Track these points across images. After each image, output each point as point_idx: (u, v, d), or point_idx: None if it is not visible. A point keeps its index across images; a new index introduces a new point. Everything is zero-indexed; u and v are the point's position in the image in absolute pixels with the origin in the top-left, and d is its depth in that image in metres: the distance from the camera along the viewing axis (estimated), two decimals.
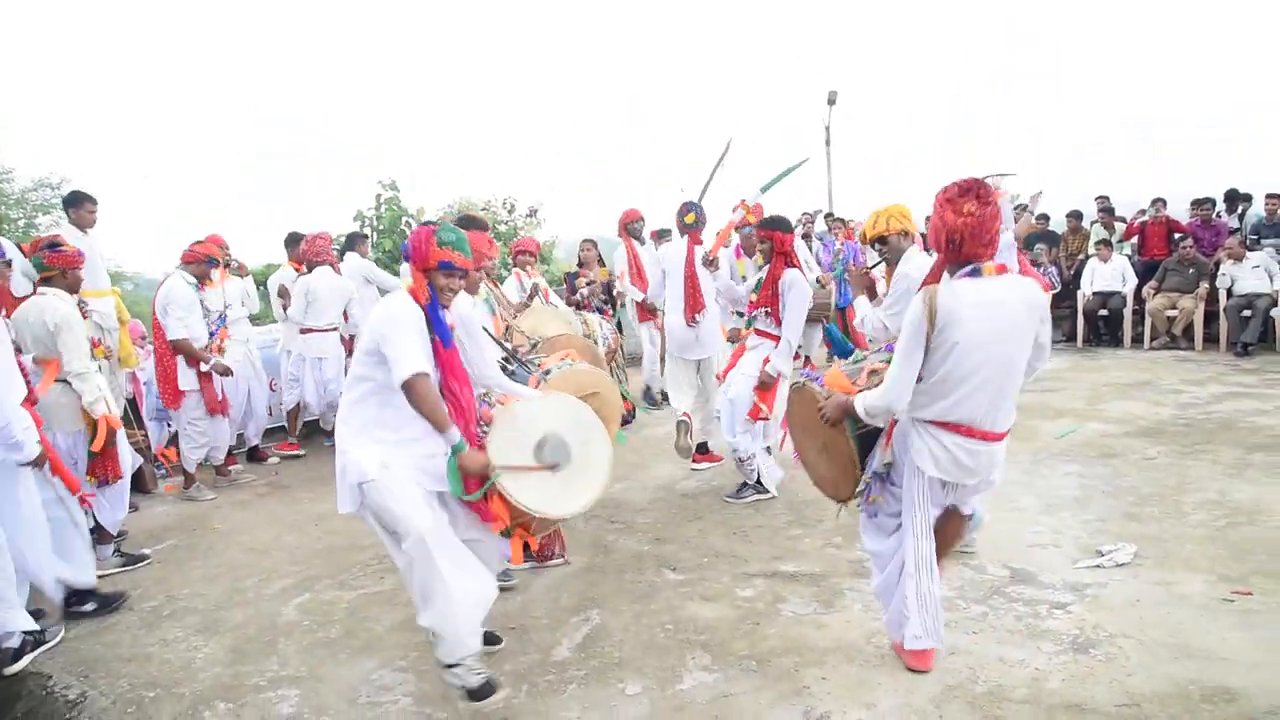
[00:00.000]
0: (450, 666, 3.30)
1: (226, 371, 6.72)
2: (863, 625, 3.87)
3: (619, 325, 8.44)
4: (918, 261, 4.21)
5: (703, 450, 6.67)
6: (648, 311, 8.73)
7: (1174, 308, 11.11)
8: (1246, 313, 10.44)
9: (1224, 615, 3.76)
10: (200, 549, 5.51)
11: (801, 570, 4.53)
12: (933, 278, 3.24)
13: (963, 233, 3.06)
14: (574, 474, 3.52)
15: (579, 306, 8.20)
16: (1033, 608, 3.94)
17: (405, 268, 3.55)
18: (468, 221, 5.91)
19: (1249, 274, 10.58)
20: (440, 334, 3.38)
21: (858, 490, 3.57)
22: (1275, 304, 10.40)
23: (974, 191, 3.08)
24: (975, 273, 3.11)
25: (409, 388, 3.20)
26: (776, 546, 4.89)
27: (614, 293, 9.38)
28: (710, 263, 6.05)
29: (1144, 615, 3.78)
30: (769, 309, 5.55)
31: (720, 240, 6.27)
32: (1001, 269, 3.15)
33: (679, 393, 6.56)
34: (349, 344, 7.95)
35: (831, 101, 11.95)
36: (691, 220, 6.28)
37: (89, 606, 4.53)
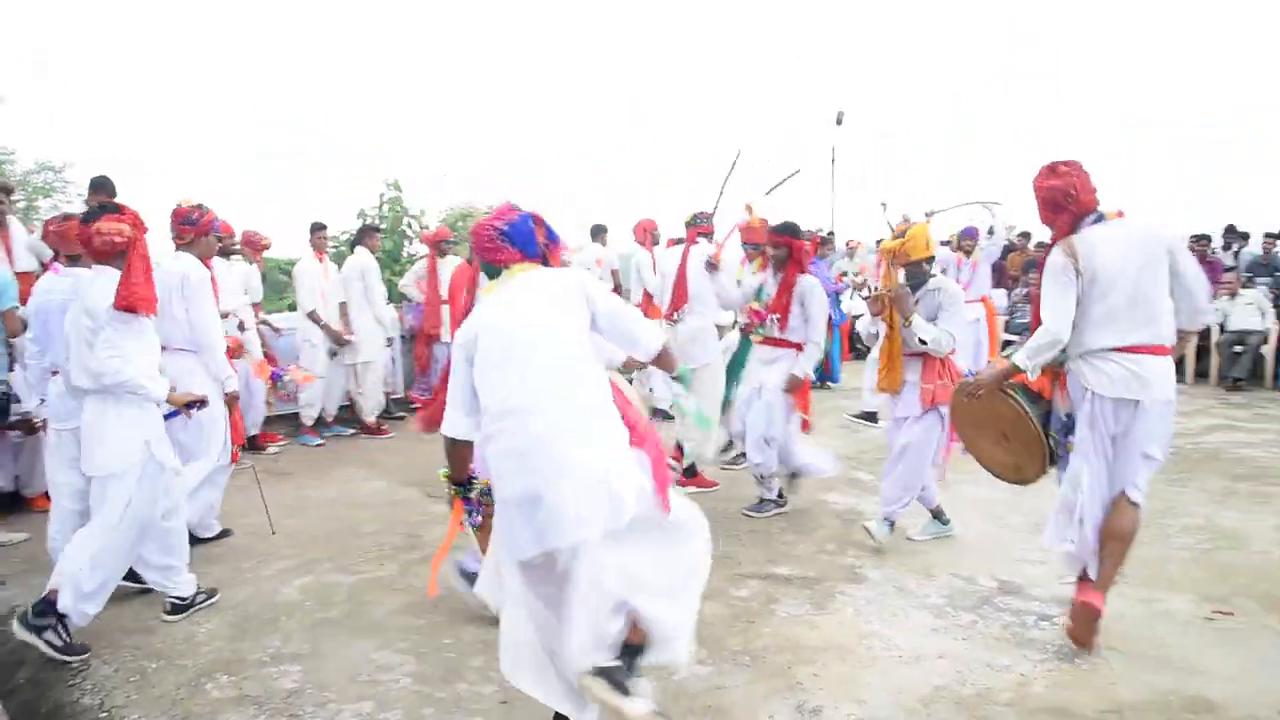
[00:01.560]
0: None
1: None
2: (855, 627, 3.96)
3: None
4: (940, 278, 4.92)
5: (690, 474, 6.39)
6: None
7: None
8: (1238, 349, 10.59)
9: (1205, 632, 3.86)
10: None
11: (795, 574, 4.61)
12: (1061, 235, 3.69)
13: (1072, 187, 3.62)
14: None
15: None
16: (1020, 618, 4.03)
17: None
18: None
19: (1242, 311, 10.73)
20: None
21: (1054, 452, 3.90)
22: (1266, 341, 10.56)
23: (1056, 165, 3.68)
24: (1100, 219, 3.63)
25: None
26: (771, 550, 4.98)
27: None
28: (711, 265, 6.01)
29: (1127, 629, 3.88)
30: (780, 316, 5.60)
31: (722, 244, 6.29)
32: (1120, 214, 3.67)
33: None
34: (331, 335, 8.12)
35: (839, 122, 12.10)
36: (690, 220, 6.33)
37: None
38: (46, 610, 3.79)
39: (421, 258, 10.18)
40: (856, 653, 3.71)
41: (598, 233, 10.58)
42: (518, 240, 2.94)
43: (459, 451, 2.96)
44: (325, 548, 5.19)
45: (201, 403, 4.30)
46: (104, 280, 3.87)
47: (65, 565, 3.85)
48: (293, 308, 9.72)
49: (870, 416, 8.61)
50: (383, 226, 12.96)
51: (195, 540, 4.84)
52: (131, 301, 3.78)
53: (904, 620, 4.03)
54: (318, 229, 8.36)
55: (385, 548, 5.18)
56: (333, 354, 8.23)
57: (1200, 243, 11.97)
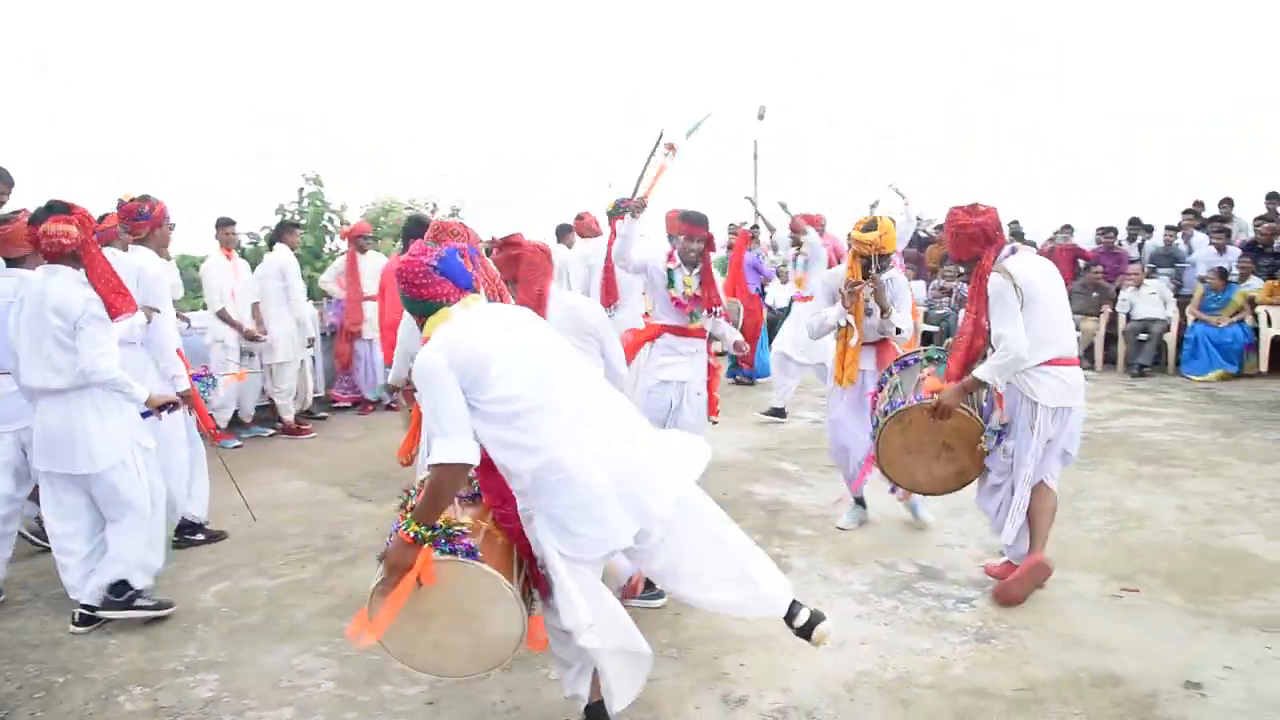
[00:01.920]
0: None
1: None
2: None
3: None
4: (892, 269, 5.00)
5: None
6: None
7: (1077, 329, 11.65)
8: (1143, 336, 11.01)
9: (1113, 610, 4.01)
10: None
11: None
12: (989, 264, 4.07)
13: (995, 223, 4.11)
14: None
15: None
16: (940, 602, 4.13)
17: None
18: (417, 222, 5.75)
19: (1146, 300, 11.16)
20: None
21: (986, 452, 4.21)
22: (1168, 329, 11.00)
23: (977, 205, 4.15)
24: (1014, 250, 4.10)
25: None
26: None
27: None
28: (639, 207, 5.03)
29: (1041, 609, 4.01)
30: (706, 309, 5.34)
31: (650, 187, 5.76)
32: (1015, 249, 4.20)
33: None
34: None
35: (761, 116, 12.19)
36: (611, 208, 6.14)
37: (199, 537, 5.21)
38: (122, 589, 4.06)
39: (342, 254, 9.98)
40: (782, 642, 3.74)
41: (562, 233, 10.30)
42: (451, 273, 2.88)
43: (457, 481, 2.70)
44: (244, 551, 5.06)
45: (174, 405, 4.31)
46: (62, 280, 3.89)
47: (124, 555, 4.05)
48: (205, 306, 9.41)
49: (779, 412, 8.52)
50: (302, 222, 12.68)
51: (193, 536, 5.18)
52: (119, 308, 3.93)
53: (828, 608, 4.06)
54: (225, 224, 8.03)
55: (307, 550, 5.07)
56: (248, 354, 7.99)
57: (1106, 235, 12.43)
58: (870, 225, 4.91)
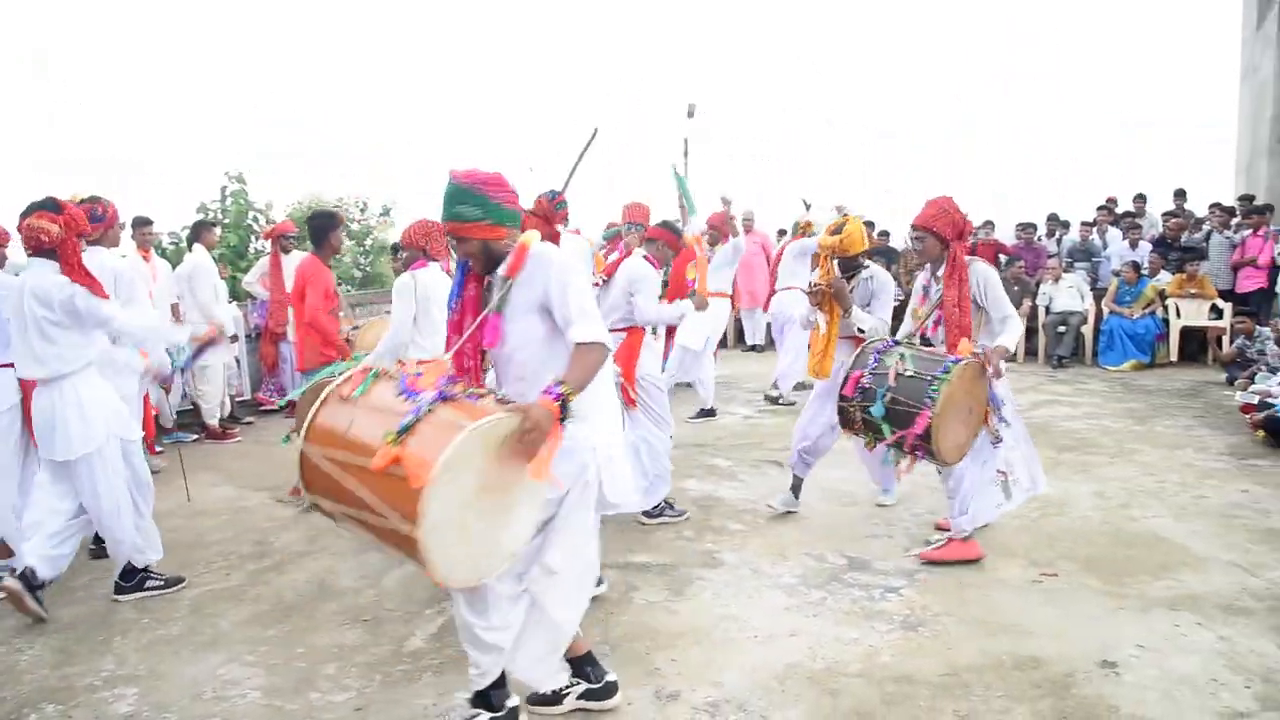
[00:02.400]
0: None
1: None
2: (712, 611, 4.04)
3: None
4: (873, 267, 5.28)
5: None
6: None
7: None
8: (1062, 329, 11.36)
9: (1034, 594, 4.13)
10: None
11: (653, 561, 4.67)
12: (963, 254, 4.46)
13: (968, 224, 4.56)
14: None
15: None
16: (868, 591, 4.21)
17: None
18: (323, 217, 5.72)
19: (1064, 293, 11.51)
20: None
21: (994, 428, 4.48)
22: (1085, 321, 11.37)
23: (951, 199, 4.51)
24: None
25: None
26: (629, 539, 5.02)
27: None
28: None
29: (965, 596, 4.11)
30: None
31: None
32: None
33: None
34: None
35: (690, 114, 12.29)
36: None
37: None
38: (131, 573, 4.38)
39: (266, 254, 9.75)
40: (713, 636, 3.79)
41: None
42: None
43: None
44: (165, 560, 4.87)
45: (214, 340, 5.15)
46: (40, 271, 4.11)
47: (120, 547, 4.31)
48: None
49: (709, 413, 8.49)
50: (225, 221, 12.34)
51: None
52: (97, 290, 4.13)
53: (759, 601, 4.15)
54: (142, 224, 7.78)
55: (232, 557, 4.94)
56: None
57: (1026, 231, 12.77)
58: (837, 229, 5.10)
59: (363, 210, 17.83)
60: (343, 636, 3.89)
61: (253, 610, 4.20)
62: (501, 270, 3.00)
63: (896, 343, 4.53)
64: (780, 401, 8.95)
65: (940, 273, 4.53)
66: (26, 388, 4.37)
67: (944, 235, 4.46)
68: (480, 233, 2.94)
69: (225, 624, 4.07)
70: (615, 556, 4.74)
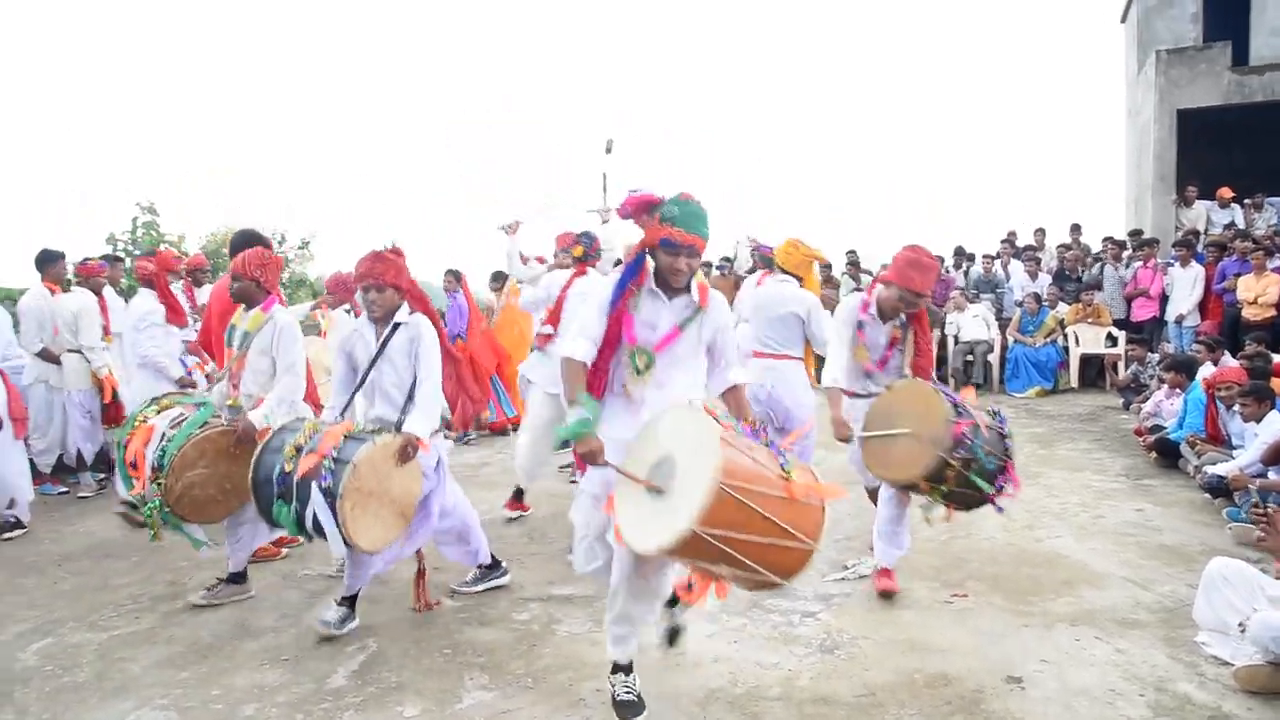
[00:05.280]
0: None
1: None
2: None
3: None
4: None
5: (518, 497, 6.27)
6: None
7: None
8: (969, 357, 11.79)
9: (944, 614, 4.29)
10: None
11: (576, 593, 4.69)
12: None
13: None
14: (663, 509, 2.86)
15: None
16: (786, 617, 4.31)
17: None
18: (250, 238, 5.43)
19: (971, 323, 11.97)
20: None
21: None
22: (991, 349, 11.83)
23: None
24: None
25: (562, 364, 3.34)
26: (551, 572, 5.03)
27: None
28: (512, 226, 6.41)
29: (880, 618, 4.25)
30: None
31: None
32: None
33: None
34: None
35: (608, 150, 12.44)
36: (580, 254, 6.05)
37: None
38: None
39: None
40: (637, 665, 3.82)
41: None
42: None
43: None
44: (70, 605, 4.74)
45: None
46: None
47: None
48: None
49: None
50: (135, 252, 12.01)
51: None
52: None
53: None
54: (54, 259, 7.55)
55: (143, 599, 4.80)
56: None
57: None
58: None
59: (281, 242, 17.48)
60: (263, 676, 3.81)
61: (166, 652, 4.09)
62: (695, 297, 3.36)
63: (947, 390, 4.30)
64: None
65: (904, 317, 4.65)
66: None
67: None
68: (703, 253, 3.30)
69: (136, 668, 3.95)
70: (537, 590, 4.76)
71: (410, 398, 4.16)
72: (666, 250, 3.20)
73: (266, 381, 4.66)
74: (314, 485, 3.79)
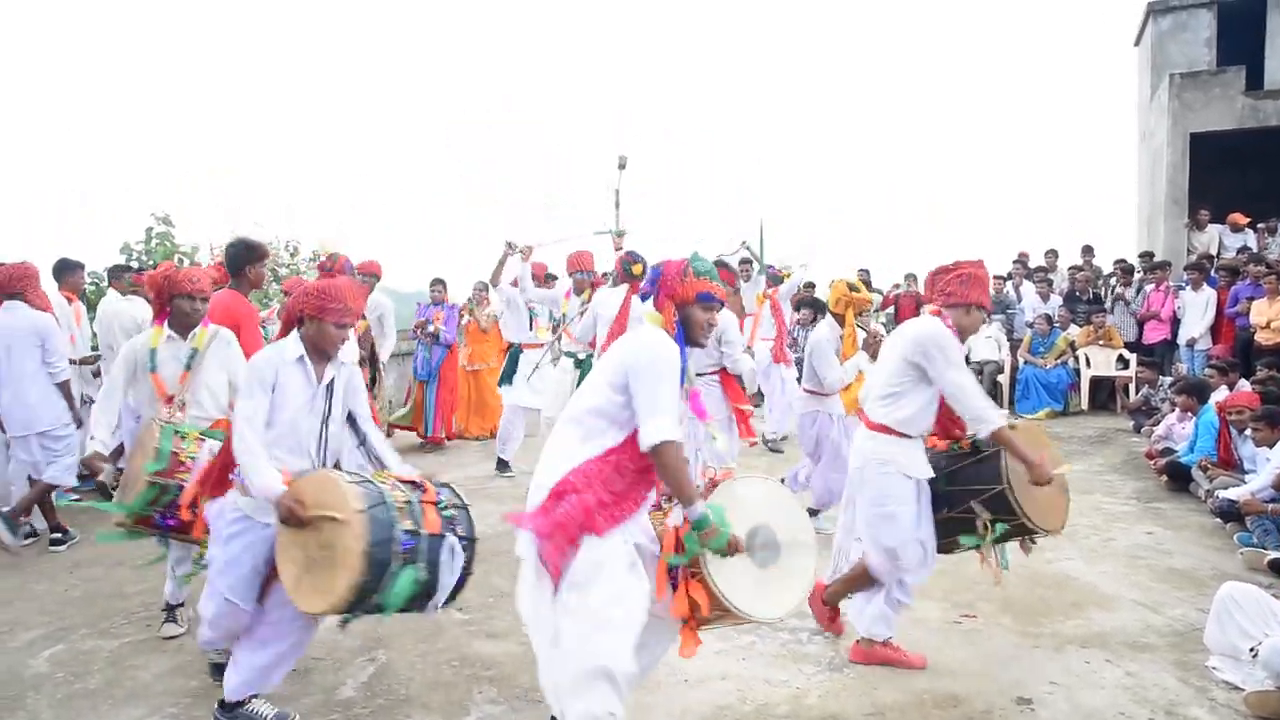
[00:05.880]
0: None
1: None
2: None
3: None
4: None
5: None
6: None
7: None
8: (979, 378, 11.77)
9: (954, 635, 4.28)
10: None
11: None
12: None
13: None
14: (772, 577, 2.98)
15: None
16: (795, 635, 4.30)
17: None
18: (239, 246, 5.37)
19: (982, 344, 11.94)
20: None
21: None
22: (1002, 370, 11.81)
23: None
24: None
25: (659, 454, 2.77)
26: None
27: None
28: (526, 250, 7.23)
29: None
30: None
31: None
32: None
33: None
34: None
35: (622, 166, 12.44)
36: (639, 271, 6.01)
37: None
38: None
39: None
40: (645, 680, 3.81)
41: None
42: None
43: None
44: (82, 612, 4.76)
45: None
46: None
47: None
48: None
49: (503, 465, 8.14)
50: (150, 263, 12.06)
51: None
52: None
53: None
54: (74, 268, 7.60)
55: (153, 607, 4.79)
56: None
57: None
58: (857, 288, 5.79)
59: (293, 254, 17.45)
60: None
61: (176, 661, 4.11)
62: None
63: None
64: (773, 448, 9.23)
65: None
66: None
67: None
68: None
69: (147, 675, 3.97)
70: None
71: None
72: (704, 305, 2.98)
73: (224, 400, 4.26)
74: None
